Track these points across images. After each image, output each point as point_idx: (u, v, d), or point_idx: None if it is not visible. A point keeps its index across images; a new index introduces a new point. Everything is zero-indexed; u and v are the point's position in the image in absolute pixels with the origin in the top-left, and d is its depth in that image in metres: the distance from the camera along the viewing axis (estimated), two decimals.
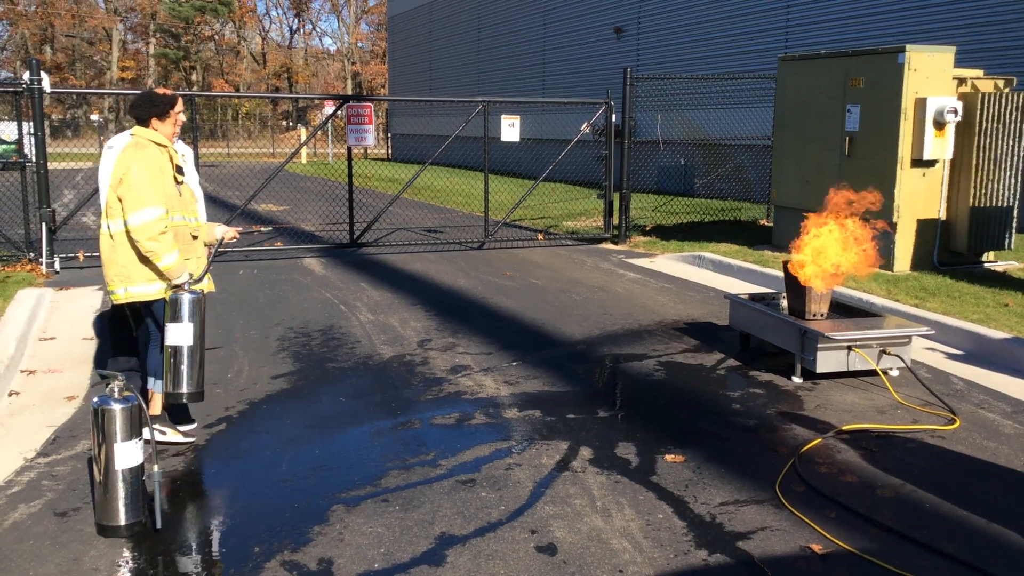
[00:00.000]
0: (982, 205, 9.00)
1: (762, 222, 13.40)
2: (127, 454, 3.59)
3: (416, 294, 8.55)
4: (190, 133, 11.59)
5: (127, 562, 3.43)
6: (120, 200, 4.35)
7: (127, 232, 4.37)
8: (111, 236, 4.44)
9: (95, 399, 3.62)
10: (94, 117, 40.25)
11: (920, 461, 4.42)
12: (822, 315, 6.00)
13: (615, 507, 3.88)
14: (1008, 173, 9.06)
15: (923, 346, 6.64)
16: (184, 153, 5.30)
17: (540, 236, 12.51)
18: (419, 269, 10.06)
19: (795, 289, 6.06)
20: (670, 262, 10.71)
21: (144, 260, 4.41)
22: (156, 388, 4.60)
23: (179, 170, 4.59)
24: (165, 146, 4.49)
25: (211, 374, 5.86)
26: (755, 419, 5.04)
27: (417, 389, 5.59)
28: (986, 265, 9.39)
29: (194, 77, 58.48)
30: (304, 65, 66.55)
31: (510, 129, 12.01)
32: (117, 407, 3.57)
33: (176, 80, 57.85)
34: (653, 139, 15.64)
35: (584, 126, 12.43)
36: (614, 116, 12.18)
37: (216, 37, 60.89)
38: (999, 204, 9.06)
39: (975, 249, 9.17)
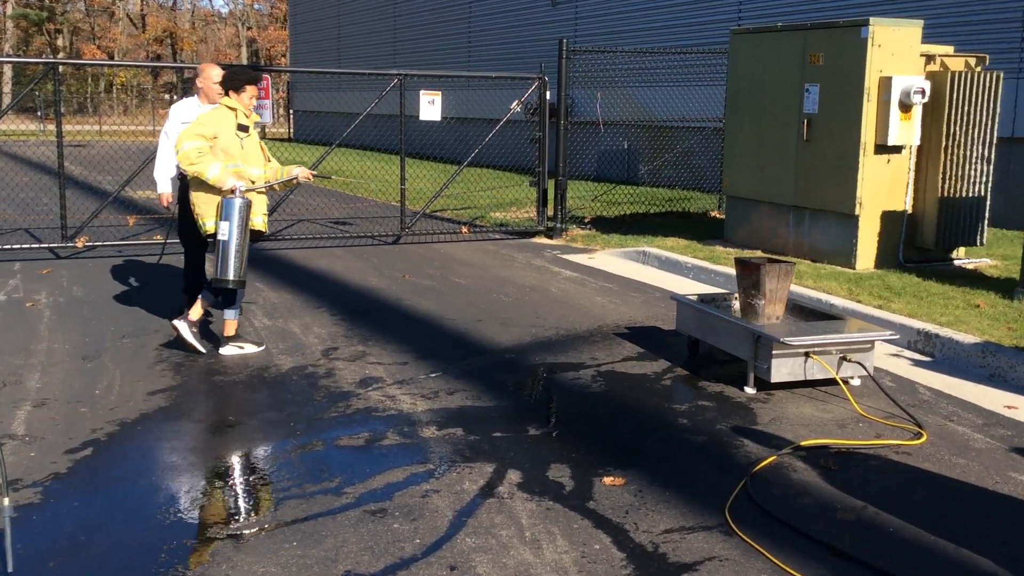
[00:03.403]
0: (952, 196, 9.29)
1: (713, 214, 13.62)
2: None
3: (321, 295, 8.46)
4: (51, 108, 11.27)
5: None
6: None
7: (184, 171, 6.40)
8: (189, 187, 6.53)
9: None
10: None
11: (884, 480, 4.54)
12: (778, 318, 6.12)
13: (546, 537, 3.88)
14: (980, 161, 9.37)
15: (887, 352, 6.83)
16: None
17: (464, 229, 12.48)
18: (325, 266, 9.96)
19: (748, 289, 6.16)
20: (611, 259, 10.80)
21: (203, 189, 6.31)
22: (228, 316, 6.54)
23: (241, 127, 6.37)
24: (235, 109, 6.39)
25: (76, 390, 5.72)
26: (704, 435, 5.11)
27: (320, 405, 5.53)
28: (956, 262, 9.70)
29: (60, 42, 56.82)
30: (191, 30, 65.26)
31: (430, 107, 11.96)
32: None
33: (39, 45, 56.15)
34: (593, 120, 15.77)
35: (515, 104, 12.44)
36: (548, 93, 12.23)
37: None
38: (970, 195, 9.37)
39: (944, 244, 9.46)
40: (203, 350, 6.43)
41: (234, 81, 6.42)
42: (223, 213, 6.12)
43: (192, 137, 6.18)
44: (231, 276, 6.13)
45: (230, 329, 6.54)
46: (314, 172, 6.84)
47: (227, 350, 6.49)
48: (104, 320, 7.45)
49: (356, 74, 13.34)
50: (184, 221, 7.48)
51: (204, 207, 6.41)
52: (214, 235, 6.30)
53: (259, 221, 6.49)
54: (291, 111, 38.53)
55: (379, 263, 10.22)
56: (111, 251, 10.42)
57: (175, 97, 49.67)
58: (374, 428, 5.16)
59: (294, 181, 6.74)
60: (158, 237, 11.14)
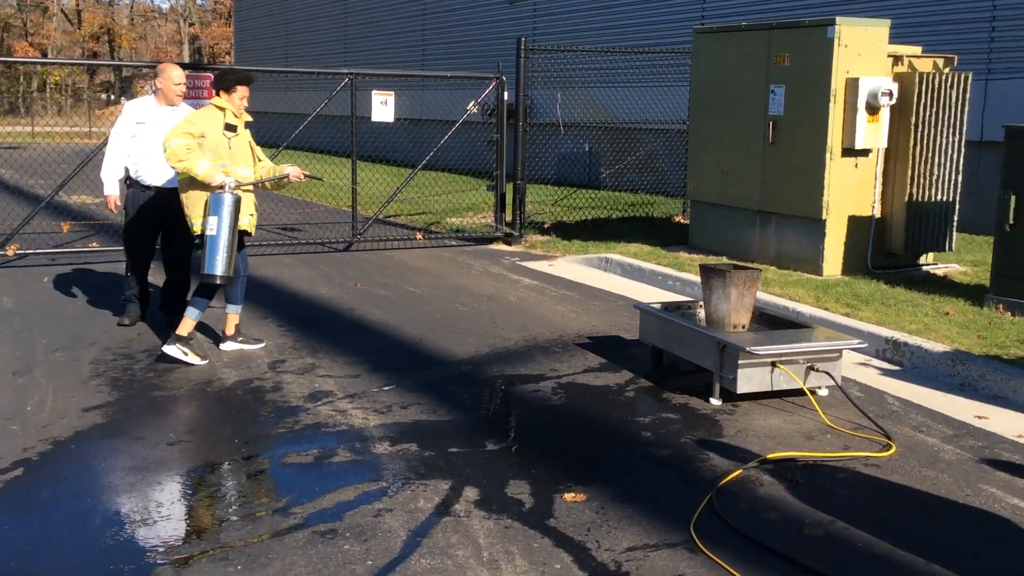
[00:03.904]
0: (920, 200, 9.44)
1: (677, 219, 13.71)
2: None
3: (268, 305, 8.39)
4: None
5: None
6: None
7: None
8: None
9: None
10: None
11: (852, 493, 4.59)
12: (743, 326, 6.17)
13: (504, 557, 3.88)
14: (949, 164, 9.53)
15: (855, 361, 6.91)
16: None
17: (419, 235, 12.47)
18: (272, 275, 9.88)
19: (713, 296, 6.21)
20: (572, 266, 10.84)
21: (194, 188, 6.50)
22: (230, 311, 6.89)
23: (228, 127, 6.60)
24: (223, 109, 6.63)
25: (5, 406, 5.64)
26: (668, 448, 5.14)
27: (267, 421, 5.49)
28: (924, 268, 9.85)
29: None
30: (129, 26, 64.63)
31: (383, 107, 11.94)
32: None
33: None
34: (552, 121, 15.82)
35: (471, 105, 12.45)
36: (506, 94, 12.26)
37: None
38: (939, 199, 9.52)
39: (913, 250, 9.61)
40: (201, 362, 6.56)
41: (225, 81, 6.68)
42: (211, 208, 6.30)
43: (179, 135, 6.37)
44: (218, 272, 6.30)
45: (185, 328, 6.59)
46: (305, 172, 7.02)
47: (171, 349, 6.50)
48: (36, 332, 7.33)
49: (305, 73, 13.29)
50: (136, 226, 7.40)
51: (194, 208, 6.58)
52: (202, 235, 6.46)
53: (245, 221, 6.66)
54: None
55: (329, 271, 10.17)
56: (44, 259, 10.26)
57: (112, 97, 49.17)
58: (324, 444, 5.13)
59: (285, 180, 6.87)
60: (94, 244, 11.00)
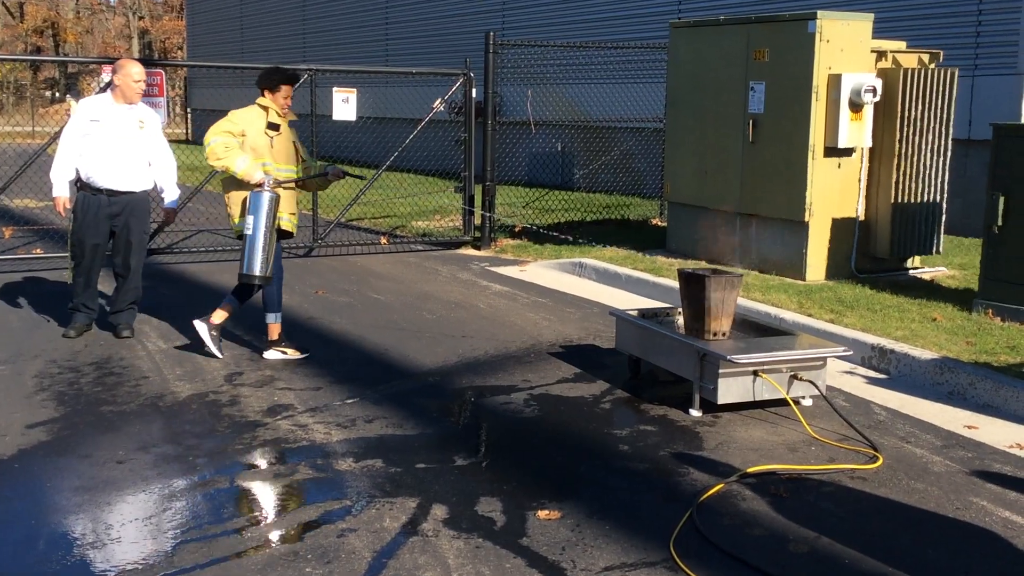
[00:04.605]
0: (906, 202, 9.53)
1: (654, 221, 13.77)
2: None
3: None
4: None
5: None
6: None
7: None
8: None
9: None
10: None
11: (838, 508, 4.62)
12: (724, 334, 6.20)
13: None
14: (935, 164, 9.63)
15: (840, 369, 6.96)
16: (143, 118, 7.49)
17: (383, 239, 12.45)
18: (228, 282, 9.79)
19: (692, 303, 6.23)
20: (544, 271, 10.85)
21: (235, 187, 6.75)
22: (270, 320, 7.00)
23: (271, 126, 6.85)
24: (266, 108, 6.90)
25: None
26: (646, 462, 5.15)
27: (224, 437, 5.45)
28: (911, 272, 9.94)
29: None
30: (75, 20, 64.12)
31: (344, 105, 11.91)
32: None
33: None
34: (523, 119, 15.84)
35: (437, 102, 12.45)
36: (474, 91, 12.26)
37: None
38: (925, 200, 9.62)
39: (898, 253, 9.70)
40: (219, 355, 6.92)
41: (269, 80, 6.97)
42: (250, 207, 6.56)
43: (219, 133, 6.66)
44: (257, 271, 6.57)
45: (218, 315, 6.95)
46: (346, 171, 7.35)
47: (200, 327, 6.91)
48: None
49: (261, 69, 13.17)
50: (85, 231, 7.28)
51: (235, 207, 6.85)
52: (240, 236, 6.72)
53: (286, 220, 6.92)
54: (188, 109, 38.01)
55: (289, 278, 10.07)
56: None
57: (57, 94, 48.81)
58: (284, 461, 5.10)
59: (327, 178, 7.19)
60: (38, 251, 10.89)
